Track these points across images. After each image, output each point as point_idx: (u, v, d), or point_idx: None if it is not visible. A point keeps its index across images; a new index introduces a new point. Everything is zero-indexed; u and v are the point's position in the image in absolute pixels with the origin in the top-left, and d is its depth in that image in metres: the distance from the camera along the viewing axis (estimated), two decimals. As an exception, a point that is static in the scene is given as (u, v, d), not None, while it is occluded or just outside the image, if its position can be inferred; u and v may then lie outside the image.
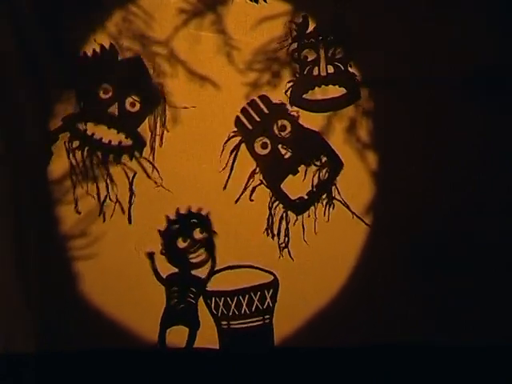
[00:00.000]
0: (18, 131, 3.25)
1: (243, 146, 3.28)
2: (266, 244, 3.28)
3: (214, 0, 3.28)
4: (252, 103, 3.27)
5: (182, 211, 3.28)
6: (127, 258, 3.29)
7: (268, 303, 3.28)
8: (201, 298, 3.30)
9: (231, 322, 3.29)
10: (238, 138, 3.27)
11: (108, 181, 3.27)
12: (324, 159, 3.28)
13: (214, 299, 3.29)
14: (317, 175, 3.29)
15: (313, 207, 3.28)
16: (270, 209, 3.27)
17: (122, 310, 3.27)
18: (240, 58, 3.28)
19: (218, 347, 3.29)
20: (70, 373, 3.23)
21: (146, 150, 3.28)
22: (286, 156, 3.29)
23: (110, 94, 3.29)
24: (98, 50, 3.26)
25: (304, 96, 3.31)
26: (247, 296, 3.27)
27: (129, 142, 3.29)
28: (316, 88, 3.31)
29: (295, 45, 3.29)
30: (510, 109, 3.35)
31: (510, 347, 3.29)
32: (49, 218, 3.27)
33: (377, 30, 3.30)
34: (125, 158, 3.29)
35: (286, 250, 3.27)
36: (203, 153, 3.30)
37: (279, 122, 3.28)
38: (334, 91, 3.32)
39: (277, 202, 3.28)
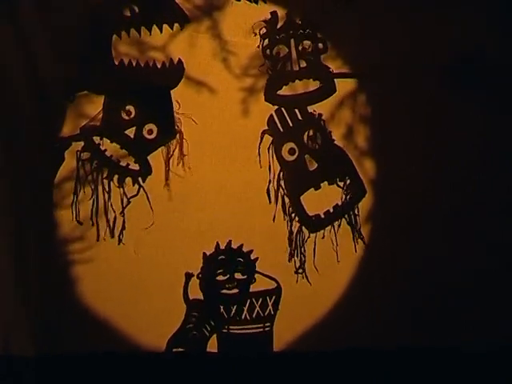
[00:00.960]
0: (17, 131, 3.25)
1: (271, 148, 3.28)
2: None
3: (209, 6, 3.29)
4: (290, 109, 3.29)
5: (234, 246, 3.26)
6: (127, 262, 3.28)
7: (269, 310, 3.25)
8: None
9: (231, 327, 3.26)
10: (269, 138, 3.27)
11: (106, 197, 3.28)
12: (348, 181, 3.26)
13: (215, 302, 3.30)
14: (338, 197, 3.28)
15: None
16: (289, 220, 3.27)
17: (121, 313, 3.26)
18: (236, 63, 3.29)
19: (216, 351, 3.28)
20: (69, 375, 3.22)
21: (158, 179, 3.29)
22: (312, 168, 3.27)
23: (132, 116, 3.30)
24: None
25: (278, 92, 3.30)
26: (249, 301, 3.25)
27: (136, 166, 3.29)
28: (290, 83, 3.30)
29: (266, 41, 3.28)
30: (509, 109, 3.35)
31: (510, 347, 3.29)
32: (49, 219, 3.26)
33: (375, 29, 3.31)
34: (128, 181, 3.29)
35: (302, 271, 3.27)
36: (202, 155, 3.30)
37: (310, 132, 3.27)
38: (309, 85, 3.32)
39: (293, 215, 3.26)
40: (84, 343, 3.23)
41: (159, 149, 3.30)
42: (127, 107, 3.29)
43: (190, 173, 3.29)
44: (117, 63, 3.28)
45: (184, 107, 3.28)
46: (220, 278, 3.26)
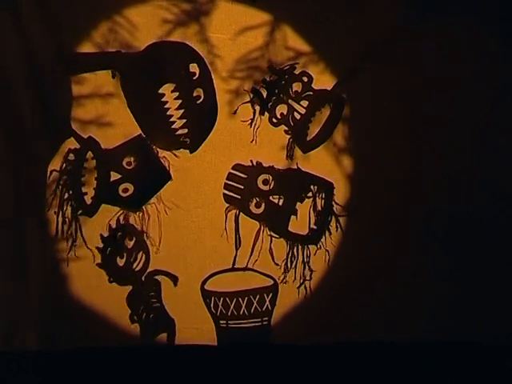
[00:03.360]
0: (18, 131, 3.28)
1: (241, 214, 3.35)
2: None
3: (197, 11, 3.32)
4: (230, 176, 3.34)
5: (104, 234, 3.31)
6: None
7: (267, 306, 3.32)
8: (199, 297, 3.32)
9: (229, 322, 3.32)
10: (234, 211, 3.34)
11: None
12: (315, 188, 3.36)
13: (213, 299, 3.32)
14: (314, 204, 3.36)
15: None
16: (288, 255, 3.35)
17: (117, 308, 3.31)
18: (223, 67, 3.33)
19: (215, 344, 3.33)
20: (69, 371, 3.24)
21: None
22: (281, 203, 3.36)
23: (130, 167, 3.31)
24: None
25: (308, 139, 3.35)
26: (246, 298, 3.31)
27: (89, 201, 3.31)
28: (309, 125, 3.35)
29: (266, 115, 3.33)
30: None
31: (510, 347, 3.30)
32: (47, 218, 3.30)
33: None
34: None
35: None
36: (201, 154, 3.35)
37: (260, 179, 3.36)
38: (326, 113, 3.36)
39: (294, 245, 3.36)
40: (83, 338, 3.27)
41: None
42: (128, 159, 3.32)
43: (190, 171, 3.33)
44: None
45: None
46: (122, 262, 3.32)
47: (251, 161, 3.34)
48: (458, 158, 3.34)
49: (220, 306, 3.31)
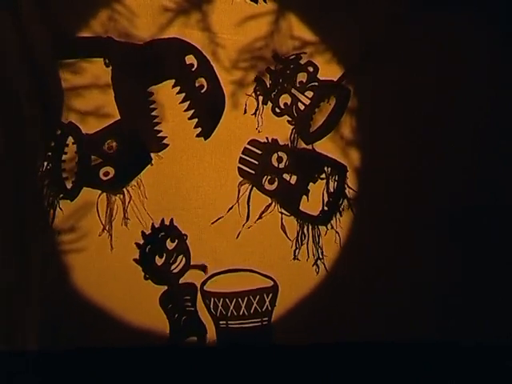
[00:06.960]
0: (18, 131, 3.28)
1: (254, 189, 3.35)
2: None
3: None
4: (245, 150, 3.33)
5: (146, 231, 3.32)
6: (129, 257, 3.32)
7: (267, 306, 3.32)
8: (199, 297, 3.33)
9: (229, 322, 3.33)
10: (247, 186, 3.34)
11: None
12: (328, 169, 3.35)
13: (212, 300, 3.32)
14: (327, 186, 3.36)
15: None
16: (298, 234, 3.35)
17: (122, 307, 3.30)
18: (225, 56, 3.30)
19: (215, 344, 3.33)
20: (70, 370, 3.24)
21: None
22: (293, 181, 3.36)
23: (111, 151, 3.30)
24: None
25: (311, 130, 3.35)
26: (246, 298, 3.32)
27: (69, 184, 3.29)
28: (313, 116, 3.35)
29: (269, 104, 3.32)
30: None
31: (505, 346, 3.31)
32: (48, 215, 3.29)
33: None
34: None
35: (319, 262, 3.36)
36: (200, 152, 3.34)
37: (275, 156, 3.35)
38: (330, 104, 3.36)
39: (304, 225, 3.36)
40: (85, 338, 3.27)
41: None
42: (109, 143, 3.30)
43: (190, 171, 3.32)
44: None
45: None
46: (160, 261, 3.33)
47: (267, 138, 3.34)
48: (458, 157, 3.35)
49: (220, 307, 3.31)
